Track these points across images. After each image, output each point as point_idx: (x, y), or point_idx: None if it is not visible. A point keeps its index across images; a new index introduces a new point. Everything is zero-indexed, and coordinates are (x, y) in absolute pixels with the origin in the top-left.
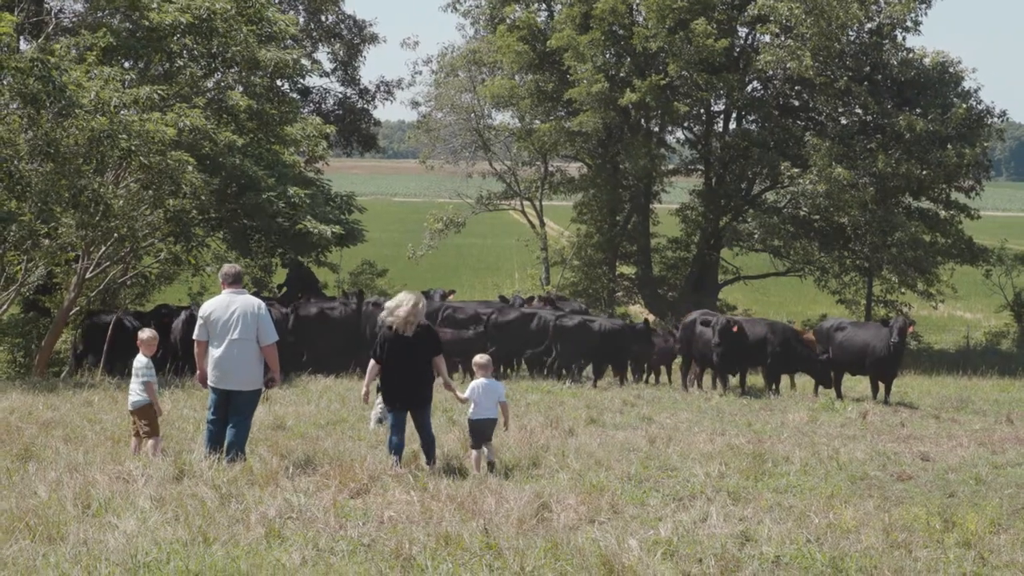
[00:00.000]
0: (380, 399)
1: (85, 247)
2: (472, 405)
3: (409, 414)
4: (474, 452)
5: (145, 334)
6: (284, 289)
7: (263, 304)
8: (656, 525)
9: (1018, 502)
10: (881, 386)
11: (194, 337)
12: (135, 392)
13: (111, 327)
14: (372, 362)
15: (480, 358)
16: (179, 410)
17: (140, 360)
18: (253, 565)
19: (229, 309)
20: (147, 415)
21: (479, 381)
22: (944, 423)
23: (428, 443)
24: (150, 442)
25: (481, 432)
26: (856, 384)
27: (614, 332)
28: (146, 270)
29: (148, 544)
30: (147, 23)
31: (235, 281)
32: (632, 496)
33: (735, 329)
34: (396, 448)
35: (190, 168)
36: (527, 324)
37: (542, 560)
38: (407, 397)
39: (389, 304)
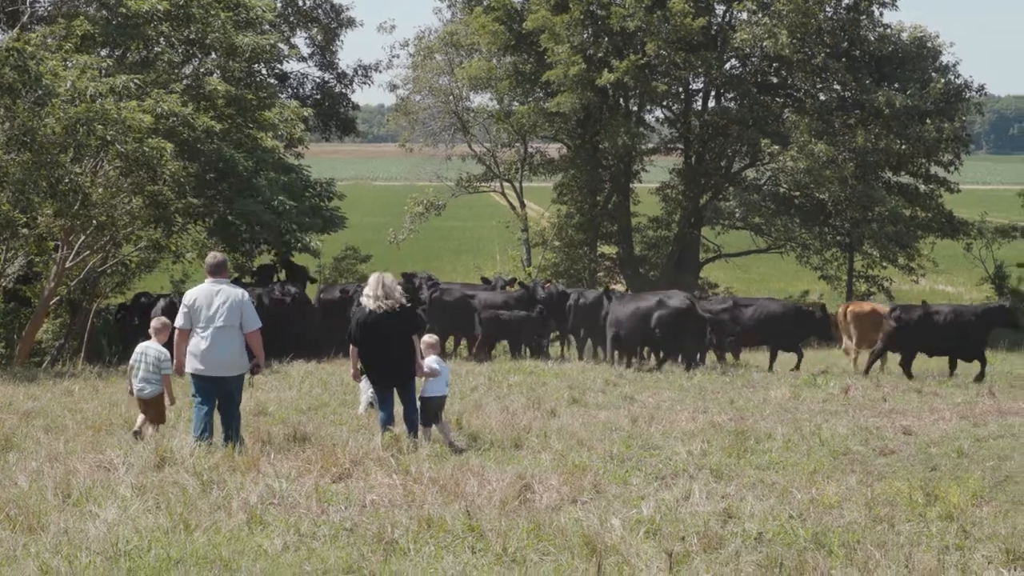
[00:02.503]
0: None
1: (64, 236)
2: (430, 384)
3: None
4: (432, 428)
5: (158, 322)
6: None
7: (245, 292)
8: (639, 504)
9: (1000, 474)
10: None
11: (176, 325)
12: (151, 381)
13: (91, 315)
14: (352, 346)
15: (429, 337)
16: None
17: (160, 350)
18: (235, 551)
19: (212, 298)
20: (159, 405)
21: (434, 359)
22: (926, 397)
23: (412, 416)
24: (151, 429)
25: (434, 409)
26: (840, 359)
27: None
28: (126, 258)
29: (129, 532)
30: (124, 11)
31: (216, 271)
32: (614, 475)
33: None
34: (385, 422)
35: (167, 154)
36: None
37: (525, 541)
38: (391, 375)
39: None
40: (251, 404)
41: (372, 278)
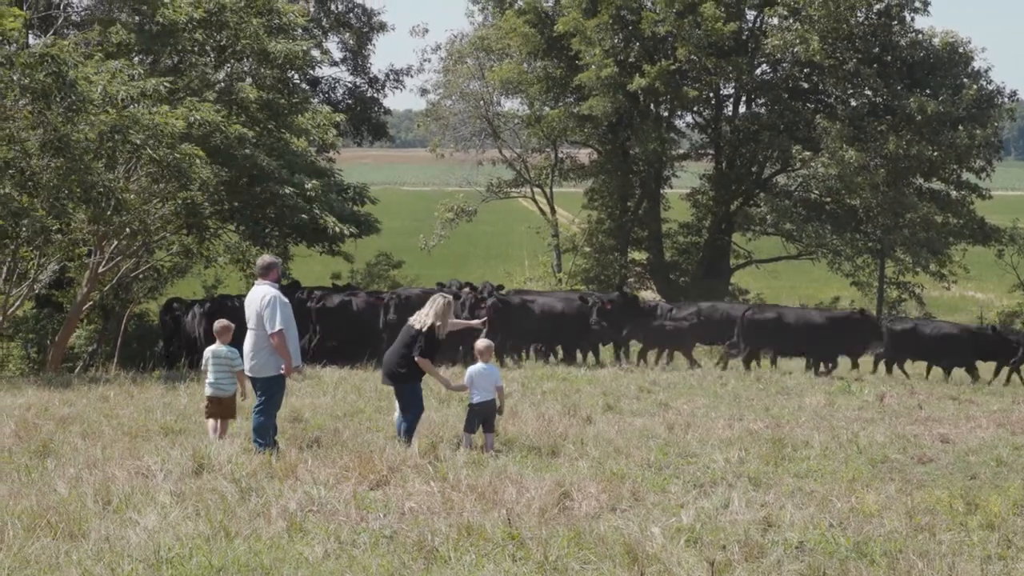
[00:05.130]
0: None
1: (97, 242)
2: (473, 391)
3: None
4: (466, 436)
5: (219, 325)
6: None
7: (270, 294)
8: (678, 512)
9: None
10: None
11: None
12: (224, 380)
13: (124, 320)
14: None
15: (481, 343)
16: (196, 403)
17: (229, 350)
18: (276, 559)
19: (249, 300)
20: (231, 403)
21: (477, 366)
22: (962, 404)
23: (405, 424)
24: (220, 423)
25: (481, 415)
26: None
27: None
28: (158, 264)
29: (170, 540)
30: (161, 20)
31: (261, 273)
32: (653, 483)
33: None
34: (396, 424)
35: (199, 161)
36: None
37: (565, 549)
38: (385, 371)
39: None
40: (285, 410)
41: (434, 297)
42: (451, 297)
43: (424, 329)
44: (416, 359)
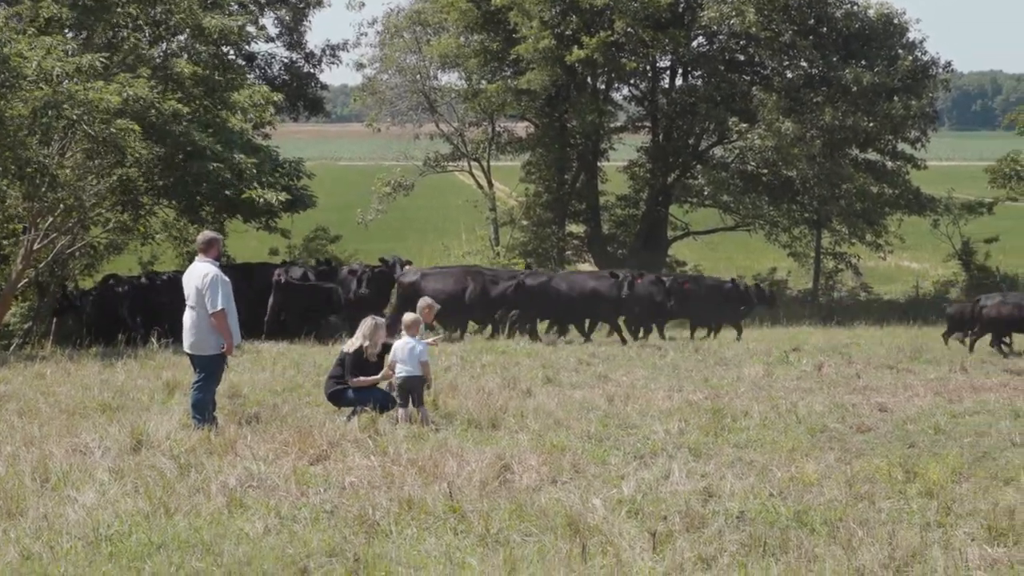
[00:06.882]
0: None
1: (32, 219)
2: (398, 365)
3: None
4: (401, 411)
5: (408, 318)
6: None
7: (211, 272)
8: (619, 484)
9: (978, 450)
10: None
11: None
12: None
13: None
14: None
15: (408, 317)
16: (133, 380)
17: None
18: (216, 535)
19: (188, 277)
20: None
21: (400, 341)
22: (899, 373)
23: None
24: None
25: (407, 389)
26: (811, 338)
27: None
28: (94, 240)
29: (109, 517)
30: None
31: (202, 248)
32: (593, 455)
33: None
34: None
35: (133, 136)
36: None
37: (507, 522)
38: (327, 395)
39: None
40: (224, 386)
41: (365, 319)
42: (381, 319)
43: (351, 351)
44: (348, 380)
